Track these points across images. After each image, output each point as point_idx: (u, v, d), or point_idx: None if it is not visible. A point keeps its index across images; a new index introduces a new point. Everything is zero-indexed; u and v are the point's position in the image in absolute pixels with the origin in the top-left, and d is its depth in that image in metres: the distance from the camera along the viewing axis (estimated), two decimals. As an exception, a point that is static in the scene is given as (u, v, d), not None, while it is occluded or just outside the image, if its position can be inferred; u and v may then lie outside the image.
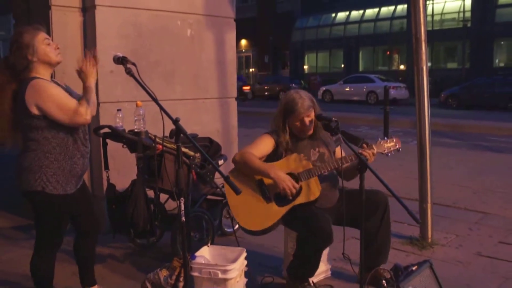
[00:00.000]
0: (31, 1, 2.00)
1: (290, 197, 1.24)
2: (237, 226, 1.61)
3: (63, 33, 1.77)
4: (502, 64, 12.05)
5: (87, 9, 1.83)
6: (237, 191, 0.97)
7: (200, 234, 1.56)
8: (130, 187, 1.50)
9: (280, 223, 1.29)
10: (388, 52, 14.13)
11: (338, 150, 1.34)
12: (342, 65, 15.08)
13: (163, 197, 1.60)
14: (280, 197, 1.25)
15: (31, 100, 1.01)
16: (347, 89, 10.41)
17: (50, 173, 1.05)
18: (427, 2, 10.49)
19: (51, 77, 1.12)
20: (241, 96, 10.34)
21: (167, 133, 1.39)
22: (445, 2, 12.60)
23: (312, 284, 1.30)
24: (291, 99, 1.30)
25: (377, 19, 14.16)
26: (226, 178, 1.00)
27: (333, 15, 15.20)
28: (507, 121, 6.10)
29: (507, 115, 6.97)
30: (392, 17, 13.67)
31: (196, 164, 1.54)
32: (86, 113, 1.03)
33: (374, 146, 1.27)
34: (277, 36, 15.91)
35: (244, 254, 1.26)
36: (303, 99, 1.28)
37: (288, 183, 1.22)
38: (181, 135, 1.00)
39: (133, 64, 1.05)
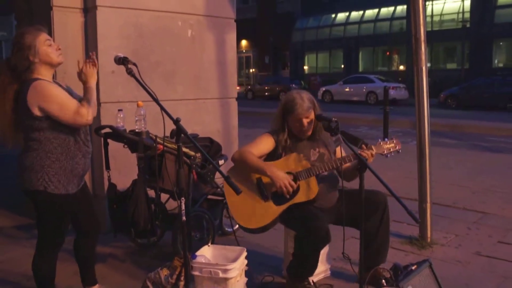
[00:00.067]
0: (33, 2, 2.01)
1: (287, 196, 1.24)
2: (237, 226, 1.61)
3: (64, 34, 1.78)
4: (501, 65, 12.09)
5: (89, 10, 1.84)
6: (237, 191, 0.98)
7: (200, 233, 1.57)
8: (131, 187, 1.50)
9: (278, 221, 1.30)
10: (387, 53, 14.14)
11: (338, 150, 1.35)
12: (342, 66, 15.11)
13: (164, 196, 1.61)
14: (278, 196, 1.26)
15: (33, 101, 1.02)
16: (347, 89, 10.43)
17: (52, 173, 1.06)
18: (427, 3, 10.48)
19: (53, 77, 1.13)
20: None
21: (168, 133, 1.37)
22: (444, 3, 12.65)
23: (312, 284, 1.31)
24: (291, 99, 1.30)
25: (376, 19, 14.18)
26: (226, 178, 1.00)
27: (333, 15, 15.24)
28: (506, 121, 6.12)
29: (506, 115, 7.01)
30: (392, 17, 13.71)
31: (196, 164, 1.54)
32: (87, 114, 1.04)
33: (373, 147, 1.28)
34: (277, 36, 15.96)
35: (245, 254, 1.26)
36: (303, 100, 1.28)
37: (284, 181, 1.23)
38: (182, 135, 1.01)
39: (134, 64, 1.06)
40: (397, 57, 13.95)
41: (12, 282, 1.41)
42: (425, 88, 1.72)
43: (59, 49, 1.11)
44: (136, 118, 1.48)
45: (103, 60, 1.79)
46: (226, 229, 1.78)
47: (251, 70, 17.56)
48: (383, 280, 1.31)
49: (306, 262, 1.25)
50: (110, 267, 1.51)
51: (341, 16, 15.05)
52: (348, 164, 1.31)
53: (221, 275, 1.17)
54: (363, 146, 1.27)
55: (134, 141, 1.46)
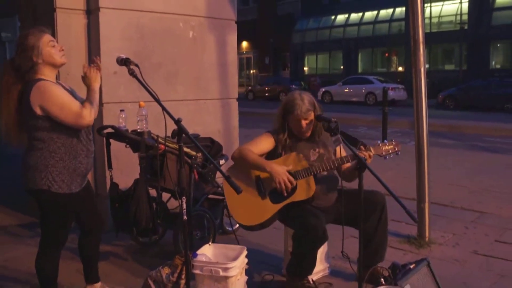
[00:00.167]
0: (37, 4, 2.02)
1: (285, 194, 1.25)
2: (237, 225, 1.63)
3: (67, 35, 1.80)
4: (498, 66, 12.16)
5: (91, 11, 1.86)
6: (238, 191, 0.99)
7: (201, 232, 1.58)
8: (133, 186, 1.52)
9: (276, 218, 1.31)
10: (386, 54, 14.17)
11: (338, 151, 1.36)
12: (342, 67, 15.15)
13: (165, 196, 1.62)
14: (276, 194, 1.27)
15: (35, 101, 1.03)
16: (346, 90, 10.46)
17: (55, 172, 1.07)
18: (425, 5, 10.50)
19: (56, 78, 1.15)
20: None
21: (169, 133, 1.36)
22: (442, 5, 12.72)
23: (311, 282, 1.32)
24: (292, 99, 1.32)
25: (376, 21, 14.25)
26: (227, 178, 1.01)
27: (333, 17, 15.30)
28: (504, 122, 6.15)
29: (503, 116, 7.04)
30: (391, 19, 13.78)
31: (197, 164, 1.56)
32: (89, 116, 1.05)
33: (372, 148, 1.29)
34: (277, 38, 16.02)
35: (245, 252, 1.27)
36: (303, 102, 1.29)
37: (283, 177, 1.24)
38: (183, 135, 1.02)
39: (136, 65, 1.07)
40: (396, 58, 13.98)
41: (16, 280, 1.42)
42: (423, 89, 1.74)
43: (62, 50, 1.12)
44: (138, 118, 1.49)
45: (105, 61, 1.79)
46: (227, 228, 1.79)
47: (251, 71, 17.61)
48: (382, 279, 1.32)
49: (305, 261, 1.27)
50: (112, 265, 1.52)
51: (341, 17, 15.13)
52: (348, 165, 1.32)
53: (221, 273, 1.18)
54: (362, 147, 1.29)
55: (136, 141, 1.47)
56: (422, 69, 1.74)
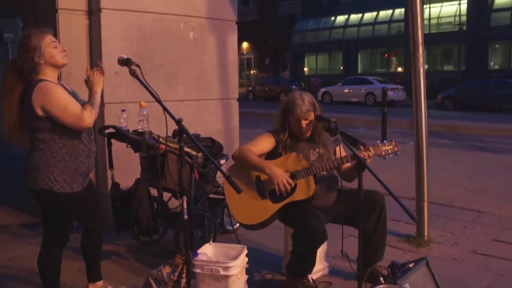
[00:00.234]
0: (39, 5, 2.03)
1: (285, 194, 1.26)
2: (238, 224, 1.64)
3: (69, 36, 1.81)
4: (496, 67, 12.21)
5: (93, 12, 1.87)
6: (238, 190, 1.00)
7: (202, 232, 1.59)
8: (134, 186, 1.53)
9: (276, 218, 1.32)
10: (386, 55, 14.22)
11: (337, 151, 1.36)
12: (341, 67, 15.20)
13: (166, 195, 1.63)
14: (276, 194, 1.28)
15: (37, 102, 1.04)
16: (346, 90, 10.49)
17: (57, 172, 1.08)
18: (424, 6, 10.67)
19: (58, 79, 1.15)
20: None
21: (170, 133, 1.39)
22: (441, 6, 12.76)
23: (311, 281, 1.33)
24: (292, 99, 1.33)
25: (375, 22, 14.30)
26: (228, 178, 1.02)
27: (333, 18, 15.35)
28: (502, 122, 6.16)
29: (501, 116, 7.05)
30: (390, 20, 13.83)
31: (198, 164, 1.57)
32: (89, 117, 1.05)
33: (371, 148, 1.30)
34: (277, 38, 16.08)
35: (245, 252, 1.28)
36: (303, 102, 1.30)
37: (282, 179, 1.25)
38: (184, 135, 1.02)
39: (137, 65, 1.08)
40: (395, 59, 14.04)
41: (19, 279, 1.43)
42: (422, 89, 1.75)
43: (64, 50, 1.13)
44: (139, 119, 1.50)
45: (107, 61, 1.79)
46: (227, 227, 1.80)
47: (252, 72, 17.68)
48: (381, 278, 1.32)
49: (304, 260, 1.27)
50: (114, 264, 1.53)
51: (341, 18, 15.16)
52: (347, 165, 1.33)
53: (222, 272, 1.19)
54: (361, 147, 1.30)
55: (137, 141, 1.48)
56: (421, 70, 1.75)
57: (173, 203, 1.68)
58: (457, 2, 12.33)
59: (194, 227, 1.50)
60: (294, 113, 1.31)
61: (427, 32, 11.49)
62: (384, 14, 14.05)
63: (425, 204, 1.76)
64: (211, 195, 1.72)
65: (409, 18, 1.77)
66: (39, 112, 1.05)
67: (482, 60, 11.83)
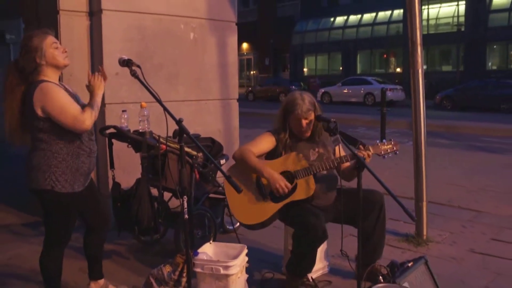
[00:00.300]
0: (40, 6, 2.05)
1: (283, 196, 1.27)
2: (238, 223, 1.65)
3: (70, 37, 1.82)
4: (494, 67, 12.26)
5: (94, 13, 1.88)
6: (238, 190, 1.00)
7: (202, 231, 1.59)
8: (135, 185, 1.53)
9: (276, 218, 1.32)
10: (385, 55, 14.27)
11: (337, 150, 1.37)
12: (341, 68, 15.26)
13: (166, 195, 1.64)
14: (275, 194, 1.29)
15: (37, 102, 1.05)
16: (345, 91, 10.53)
17: (59, 173, 1.09)
18: (423, 7, 10.73)
19: (59, 80, 1.16)
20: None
21: (170, 133, 1.40)
22: (440, 7, 12.83)
23: (311, 280, 1.33)
24: (292, 99, 1.34)
25: (374, 23, 14.35)
26: (228, 177, 1.03)
27: (332, 19, 15.40)
28: (500, 122, 6.20)
29: (500, 116, 7.09)
30: (389, 21, 13.88)
31: (198, 164, 1.57)
32: (87, 120, 1.04)
33: (370, 148, 1.31)
34: (277, 39, 16.13)
35: (245, 251, 1.29)
36: (304, 102, 1.31)
37: (280, 183, 1.26)
38: (184, 135, 1.03)
39: (138, 66, 1.09)
40: (394, 60, 14.08)
41: (20, 278, 1.43)
42: (421, 89, 1.76)
43: (65, 51, 1.13)
44: (140, 119, 1.51)
45: (107, 62, 1.82)
46: (228, 227, 1.81)
47: (252, 72, 17.72)
48: (380, 277, 1.34)
49: (304, 259, 1.28)
50: (115, 264, 1.53)
51: (340, 19, 15.21)
52: (347, 164, 1.33)
53: (222, 271, 1.20)
54: (361, 146, 1.31)
55: (138, 141, 1.49)
56: (420, 70, 1.77)
57: (174, 203, 1.69)
58: (456, 3, 12.38)
59: (194, 227, 1.51)
60: (294, 112, 1.32)
61: (425, 32, 11.56)
62: (383, 15, 14.10)
63: (424, 203, 1.77)
64: (211, 195, 1.73)
65: (408, 19, 1.78)
66: (39, 113, 1.05)
67: (480, 61, 11.88)
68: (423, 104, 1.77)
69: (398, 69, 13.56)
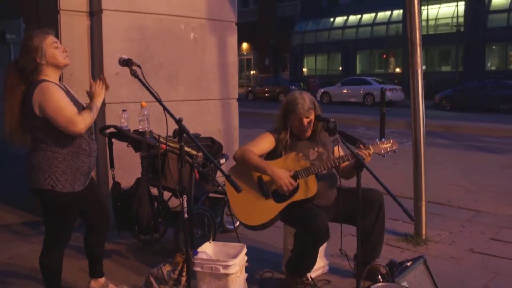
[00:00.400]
0: (41, 6, 2.04)
1: (287, 194, 1.27)
2: (238, 223, 1.66)
3: (71, 37, 1.82)
4: (493, 68, 12.30)
5: (94, 13, 1.88)
6: (238, 189, 1.01)
7: (202, 230, 1.60)
8: (135, 185, 1.53)
9: (278, 218, 1.33)
10: (384, 56, 14.29)
11: (336, 150, 1.38)
12: (340, 68, 15.28)
13: (166, 194, 1.64)
14: (278, 194, 1.29)
15: (36, 101, 1.05)
16: (345, 91, 10.54)
17: (59, 173, 1.09)
18: (422, 8, 10.68)
19: (60, 79, 1.16)
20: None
21: (170, 133, 1.40)
22: (439, 7, 12.84)
23: (310, 279, 1.34)
24: (293, 98, 1.34)
25: (374, 23, 14.37)
26: (227, 177, 1.03)
27: (332, 19, 15.42)
28: (499, 122, 6.20)
29: (498, 116, 7.10)
30: (389, 21, 13.90)
31: (198, 163, 1.58)
32: (81, 123, 1.04)
33: (370, 147, 1.31)
34: (277, 39, 16.15)
35: (245, 250, 1.29)
36: (304, 100, 1.32)
37: (285, 180, 1.26)
38: (184, 134, 1.03)
39: (138, 66, 1.09)
40: (393, 60, 14.10)
41: (21, 277, 1.43)
42: (420, 90, 1.77)
43: (66, 51, 1.14)
44: (140, 118, 1.51)
45: (108, 62, 1.82)
46: (227, 226, 1.81)
47: (251, 72, 17.73)
48: (379, 276, 1.34)
49: (306, 259, 1.28)
50: (115, 263, 1.54)
51: (339, 20, 15.23)
52: (346, 163, 1.34)
53: (222, 271, 1.20)
54: (361, 145, 1.31)
55: (138, 140, 1.49)
56: (419, 71, 1.77)
57: (174, 202, 1.69)
58: (455, 3, 12.39)
59: (194, 226, 1.52)
60: (296, 111, 1.32)
61: (425, 33, 11.64)
62: (383, 15, 14.12)
63: (423, 203, 1.78)
64: (211, 194, 1.73)
65: (407, 19, 1.79)
66: (37, 112, 1.05)
67: (479, 61, 11.92)
68: (422, 104, 1.78)
69: (398, 69, 13.59)
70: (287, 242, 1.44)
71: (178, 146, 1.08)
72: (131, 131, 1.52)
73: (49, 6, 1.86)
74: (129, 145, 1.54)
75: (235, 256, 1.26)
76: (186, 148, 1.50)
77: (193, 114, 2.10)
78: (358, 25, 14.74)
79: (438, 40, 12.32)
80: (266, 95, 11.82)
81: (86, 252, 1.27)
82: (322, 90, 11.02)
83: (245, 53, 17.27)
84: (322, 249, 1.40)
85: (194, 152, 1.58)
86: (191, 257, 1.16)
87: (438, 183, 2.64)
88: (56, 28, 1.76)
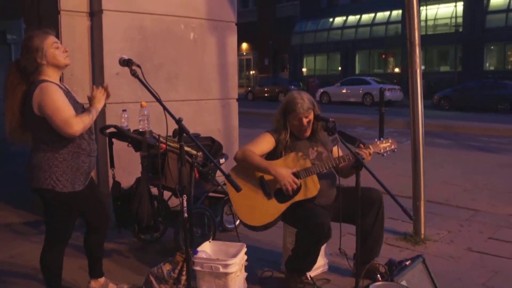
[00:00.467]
0: (41, 6, 2.04)
1: (290, 193, 1.28)
2: (237, 222, 1.66)
3: (71, 37, 1.83)
4: (492, 68, 12.33)
5: (94, 13, 1.89)
6: (237, 189, 1.01)
7: (202, 230, 1.60)
8: (135, 184, 1.54)
9: (279, 220, 1.33)
10: (383, 56, 14.31)
11: (335, 149, 1.38)
12: (339, 68, 15.32)
13: (166, 194, 1.64)
14: (280, 194, 1.30)
15: (36, 100, 1.06)
16: (344, 91, 10.57)
17: (59, 172, 1.09)
18: (421, 8, 10.75)
19: (60, 79, 1.17)
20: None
21: (170, 133, 1.40)
22: (438, 8, 12.89)
23: (309, 278, 1.34)
24: (292, 98, 1.34)
25: (373, 23, 14.41)
26: (227, 176, 1.03)
27: (331, 19, 15.46)
28: (497, 122, 6.23)
29: (497, 116, 7.14)
30: (388, 22, 13.93)
31: (198, 163, 1.58)
32: (77, 125, 1.04)
33: (370, 146, 1.32)
34: (276, 39, 16.19)
35: (244, 249, 1.30)
36: (304, 100, 1.32)
37: (289, 179, 1.26)
38: (184, 134, 1.04)
39: (138, 66, 1.09)
40: (392, 60, 14.13)
41: (21, 276, 1.44)
42: (419, 90, 1.78)
43: (66, 51, 1.14)
44: (140, 118, 1.51)
45: (108, 62, 1.83)
46: (227, 225, 1.82)
47: (251, 72, 17.75)
48: (378, 275, 1.35)
49: (307, 258, 1.28)
50: (115, 262, 1.54)
51: (339, 20, 15.27)
52: (345, 163, 1.34)
53: (221, 270, 1.21)
54: (361, 145, 1.32)
55: (138, 140, 1.50)
56: (418, 71, 1.78)
57: (173, 202, 1.70)
58: (453, 4, 12.42)
59: (194, 225, 1.52)
60: (295, 111, 1.32)
61: (423, 33, 11.66)
62: (382, 15, 14.15)
63: (422, 202, 1.79)
64: (210, 194, 1.74)
65: (406, 19, 1.80)
66: (37, 111, 1.06)
67: (478, 61, 11.96)
68: (421, 104, 1.78)
69: (397, 69, 13.61)
70: (286, 241, 1.44)
71: (178, 146, 1.09)
72: (131, 131, 1.52)
73: (49, 6, 1.87)
74: (129, 145, 1.55)
75: (234, 255, 1.26)
76: (186, 148, 1.51)
77: (193, 114, 2.11)
78: (357, 25, 14.77)
79: (437, 40, 12.35)
80: (266, 95, 11.85)
81: (86, 252, 1.28)
82: (322, 90, 11.04)
83: (244, 53, 17.27)
84: (321, 248, 1.40)
85: (194, 152, 1.58)
86: (191, 256, 1.16)
87: (437, 182, 2.65)
88: (56, 28, 1.76)
